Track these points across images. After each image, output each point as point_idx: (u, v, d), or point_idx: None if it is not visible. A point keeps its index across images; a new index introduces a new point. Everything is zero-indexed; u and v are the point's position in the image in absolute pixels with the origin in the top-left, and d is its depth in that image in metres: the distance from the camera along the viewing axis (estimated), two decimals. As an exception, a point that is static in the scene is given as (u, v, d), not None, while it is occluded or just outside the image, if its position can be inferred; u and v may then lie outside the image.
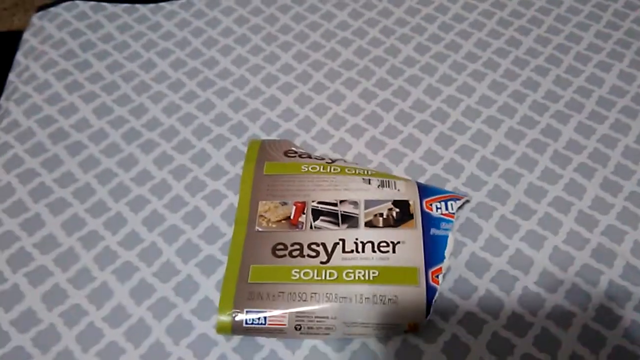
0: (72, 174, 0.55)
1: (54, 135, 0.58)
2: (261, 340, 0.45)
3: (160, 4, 0.72)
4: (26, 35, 0.70)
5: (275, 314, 0.43)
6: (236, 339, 0.45)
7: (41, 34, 0.68)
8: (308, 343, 0.44)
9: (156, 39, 0.68)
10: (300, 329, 0.43)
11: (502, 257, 0.49)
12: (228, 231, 0.51)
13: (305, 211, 0.49)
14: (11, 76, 0.65)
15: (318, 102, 0.61)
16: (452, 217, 0.48)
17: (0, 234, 0.51)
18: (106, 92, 0.62)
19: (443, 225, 0.48)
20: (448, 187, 0.54)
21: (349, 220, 0.48)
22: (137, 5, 0.71)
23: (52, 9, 0.71)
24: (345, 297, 0.44)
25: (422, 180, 0.54)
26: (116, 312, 0.46)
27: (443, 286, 0.47)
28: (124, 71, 0.64)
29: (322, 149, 0.57)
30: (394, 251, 0.46)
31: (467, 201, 0.52)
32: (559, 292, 0.47)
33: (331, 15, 0.70)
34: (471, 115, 0.59)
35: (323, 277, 0.45)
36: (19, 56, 0.67)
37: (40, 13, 0.71)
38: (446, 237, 0.47)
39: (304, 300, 0.44)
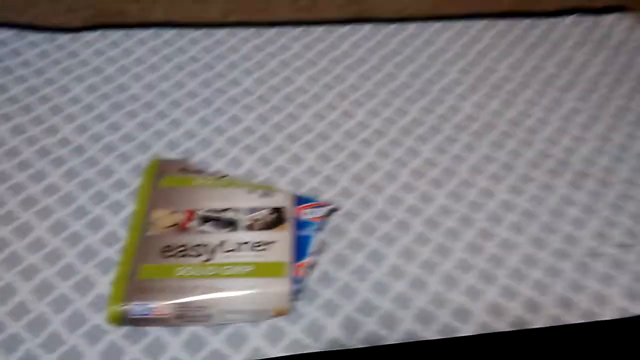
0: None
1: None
2: (148, 328, 0.51)
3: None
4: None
5: (159, 305, 0.50)
6: (126, 328, 0.51)
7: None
8: (189, 329, 0.51)
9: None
10: (181, 317, 0.51)
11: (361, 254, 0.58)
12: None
13: (193, 218, 0.57)
14: None
15: (217, 124, 0.69)
16: (318, 220, 0.57)
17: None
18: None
19: (310, 227, 0.57)
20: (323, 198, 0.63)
21: (232, 224, 0.56)
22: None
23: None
24: (222, 289, 0.51)
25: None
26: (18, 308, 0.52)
27: (310, 279, 0.56)
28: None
29: (217, 165, 0.65)
30: (267, 250, 0.54)
31: (335, 209, 0.61)
32: (403, 281, 0.56)
33: (234, 49, 0.79)
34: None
35: (204, 273, 0.52)
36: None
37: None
38: (311, 237, 0.56)
39: (186, 293, 0.51)
